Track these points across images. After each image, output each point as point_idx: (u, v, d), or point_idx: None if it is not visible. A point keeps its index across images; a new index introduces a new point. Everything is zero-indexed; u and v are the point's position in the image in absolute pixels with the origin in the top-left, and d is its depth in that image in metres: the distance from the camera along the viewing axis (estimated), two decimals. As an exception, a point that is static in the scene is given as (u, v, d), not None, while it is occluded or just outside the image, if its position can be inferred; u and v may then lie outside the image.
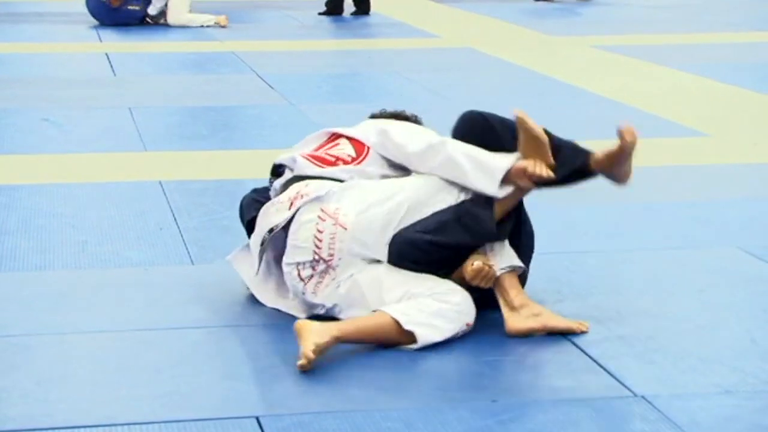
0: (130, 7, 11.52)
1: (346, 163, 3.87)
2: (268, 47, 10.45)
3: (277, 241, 3.81)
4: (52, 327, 3.77)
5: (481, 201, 3.71)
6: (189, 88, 8.37)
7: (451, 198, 3.74)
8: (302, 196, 3.76)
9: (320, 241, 3.69)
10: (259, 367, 3.51)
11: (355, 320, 3.59)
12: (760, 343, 3.67)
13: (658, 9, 13.38)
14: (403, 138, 3.88)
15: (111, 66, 9.21)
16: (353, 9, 12.77)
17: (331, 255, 3.69)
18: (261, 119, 7.18)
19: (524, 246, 3.85)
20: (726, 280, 4.25)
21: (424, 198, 3.74)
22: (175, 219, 4.95)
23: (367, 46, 10.70)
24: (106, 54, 9.75)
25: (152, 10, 11.56)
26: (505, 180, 3.67)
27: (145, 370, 3.45)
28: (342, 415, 3.14)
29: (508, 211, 3.74)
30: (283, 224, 3.75)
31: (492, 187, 3.67)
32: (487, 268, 3.68)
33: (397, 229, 3.71)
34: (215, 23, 11.49)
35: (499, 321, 3.74)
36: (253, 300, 3.94)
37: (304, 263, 3.73)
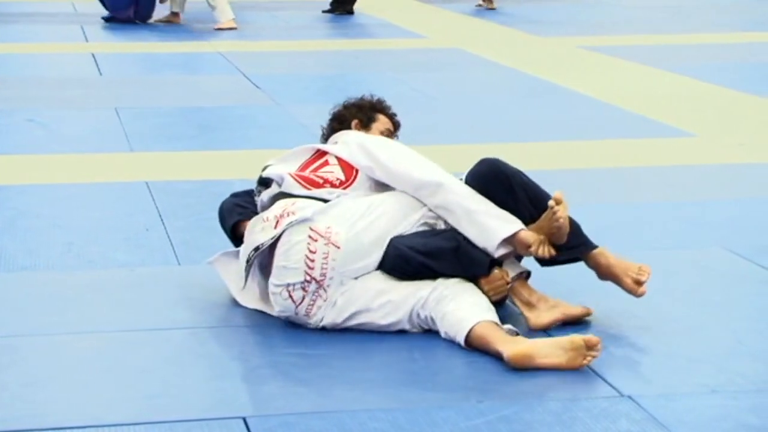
0: None
1: (334, 186, 3.85)
2: (255, 48, 10.44)
3: (263, 254, 3.80)
4: (38, 328, 3.76)
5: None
6: (175, 88, 8.36)
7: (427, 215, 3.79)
8: (288, 214, 3.74)
9: (312, 261, 3.68)
10: (246, 367, 3.51)
11: (507, 338, 3.53)
12: (746, 343, 3.68)
13: (645, 10, 13.40)
14: (399, 168, 3.84)
15: (97, 66, 9.19)
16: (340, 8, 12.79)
17: (323, 275, 3.68)
18: (248, 120, 7.17)
19: None
20: (713, 281, 4.26)
21: (404, 208, 3.77)
22: (161, 220, 4.95)
23: (354, 47, 10.70)
24: (92, 54, 9.73)
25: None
26: (505, 242, 3.72)
27: (132, 371, 3.44)
28: (329, 416, 3.14)
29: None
30: (269, 243, 3.74)
31: (489, 248, 3.72)
32: (503, 283, 3.73)
33: (386, 242, 3.73)
34: (227, 26, 11.46)
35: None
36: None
37: (294, 284, 3.70)
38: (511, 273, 3.79)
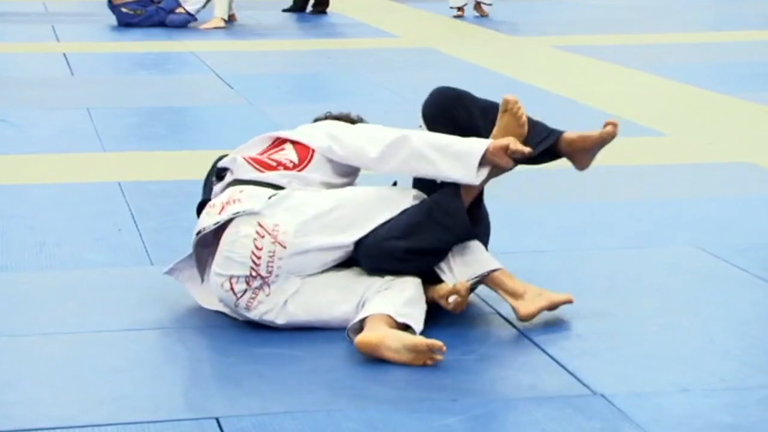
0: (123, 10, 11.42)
1: (287, 168, 3.80)
2: (228, 47, 10.42)
3: (213, 246, 3.76)
4: (9, 329, 3.74)
5: (447, 194, 3.71)
6: (148, 88, 8.33)
7: (396, 208, 3.72)
8: (234, 202, 3.68)
9: (258, 258, 3.64)
10: (219, 368, 3.50)
11: (378, 325, 3.51)
12: (718, 341, 3.70)
13: (618, 9, 13.44)
14: (360, 141, 3.81)
15: (69, 66, 9.15)
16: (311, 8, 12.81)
17: (269, 272, 3.65)
18: (221, 120, 7.16)
19: (481, 234, 3.85)
20: (684, 279, 4.28)
21: (365, 210, 3.72)
22: (134, 220, 4.93)
23: (327, 46, 10.69)
24: (64, 54, 9.69)
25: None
26: (481, 163, 3.68)
27: (104, 371, 3.43)
28: (302, 416, 3.14)
29: (472, 202, 3.77)
30: (210, 228, 3.69)
31: (469, 174, 3.68)
32: (461, 299, 3.69)
33: (338, 247, 3.68)
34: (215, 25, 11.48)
35: (462, 320, 3.76)
36: (212, 301, 3.93)
37: (238, 277, 3.66)
38: (481, 270, 3.76)
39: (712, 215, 5.09)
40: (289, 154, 3.85)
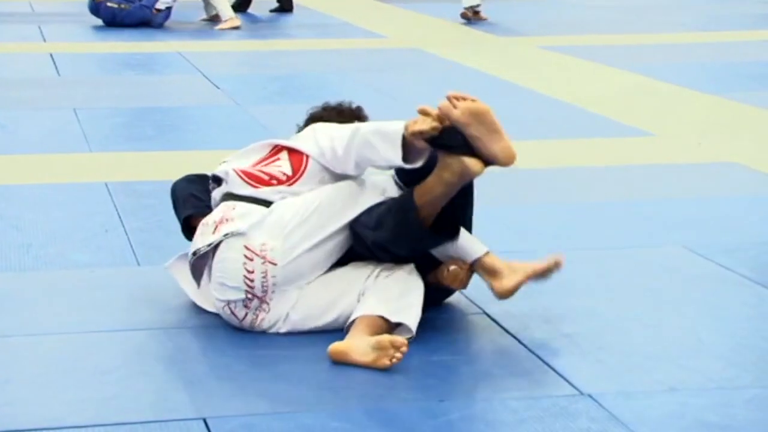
0: (109, 4, 11.40)
1: (280, 182, 3.74)
2: (214, 47, 10.41)
3: (208, 256, 3.75)
4: (-4, 330, 3.73)
5: (404, 194, 3.66)
6: (134, 88, 8.32)
7: (370, 199, 3.69)
8: (226, 221, 3.68)
9: (252, 280, 3.63)
10: (206, 368, 3.50)
11: (357, 333, 3.53)
12: (705, 341, 3.71)
13: (605, 10, 13.46)
14: (331, 142, 3.74)
15: (55, 66, 9.13)
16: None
17: (265, 291, 3.65)
18: (207, 120, 7.15)
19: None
20: (672, 279, 4.29)
21: (341, 205, 3.68)
22: (121, 220, 4.92)
23: (313, 47, 10.68)
24: (50, 54, 9.67)
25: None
26: (408, 146, 3.58)
27: (91, 372, 3.42)
28: (290, 416, 3.14)
29: (440, 204, 3.62)
30: (205, 250, 3.70)
31: (397, 156, 3.58)
32: (462, 271, 3.71)
33: (327, 239, 3.66)
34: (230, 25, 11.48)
35: (449, 321, 3.76)
36: (200, 301, 3.93)
37: (236, 302, 3.66)
38: (471, 257, 3.76)
39: (700, 215, 5.10)
40: (283, 165, 3.79)
